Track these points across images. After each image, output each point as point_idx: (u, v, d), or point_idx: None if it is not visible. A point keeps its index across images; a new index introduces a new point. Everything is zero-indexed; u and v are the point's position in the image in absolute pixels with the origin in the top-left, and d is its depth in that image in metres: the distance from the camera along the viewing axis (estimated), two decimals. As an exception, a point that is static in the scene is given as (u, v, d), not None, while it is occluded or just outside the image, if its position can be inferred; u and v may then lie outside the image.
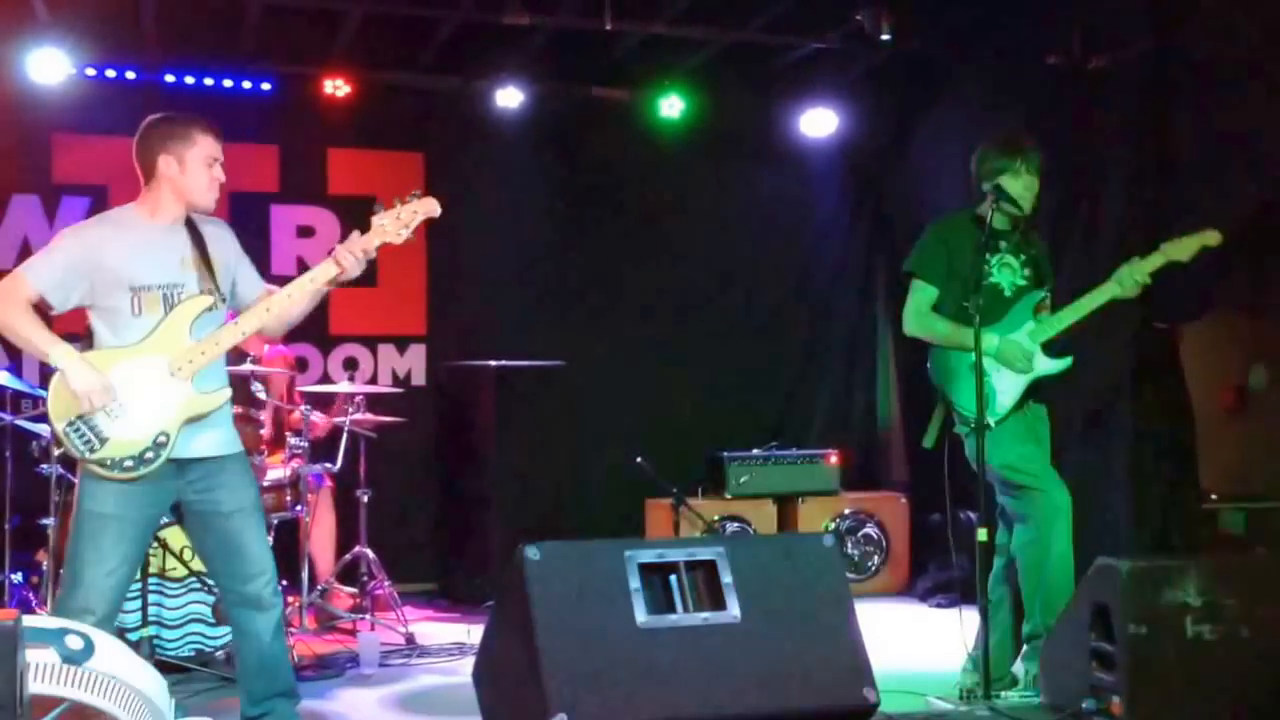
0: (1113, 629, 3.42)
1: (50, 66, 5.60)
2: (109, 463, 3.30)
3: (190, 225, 3.48)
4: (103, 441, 3.30)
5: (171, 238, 3.44)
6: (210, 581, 4.52)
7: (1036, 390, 4.08)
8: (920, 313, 4.09)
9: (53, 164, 5.83)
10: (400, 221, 3.52)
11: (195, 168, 3.42)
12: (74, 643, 2.53)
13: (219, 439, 3.47)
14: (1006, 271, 4.10)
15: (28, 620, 2.45)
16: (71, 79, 5.69)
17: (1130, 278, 3.96)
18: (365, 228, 6.55)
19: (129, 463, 3.30)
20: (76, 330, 3.46)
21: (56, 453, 3.32)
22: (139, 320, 3.36)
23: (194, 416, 3.38)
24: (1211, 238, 3.99)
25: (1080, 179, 5.33)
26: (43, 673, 2.44)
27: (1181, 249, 3.98)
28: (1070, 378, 4.09)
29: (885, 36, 5.38)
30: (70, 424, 3.30)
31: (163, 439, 3.33)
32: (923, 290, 4.10)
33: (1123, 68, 5.27)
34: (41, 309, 3.37)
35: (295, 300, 3.49)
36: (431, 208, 3.55)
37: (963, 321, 3.96)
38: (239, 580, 3.46)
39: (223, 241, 3.55)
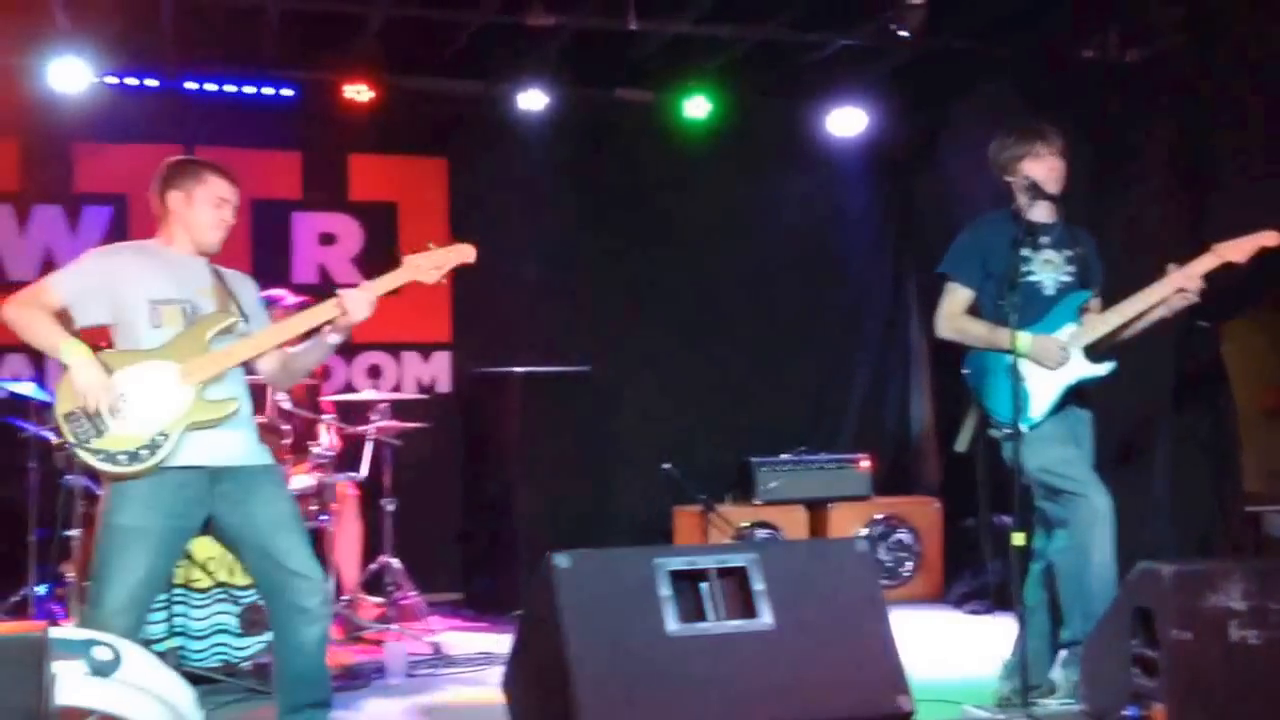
0: (1155, 634, 3.35)
1: (71, 75, 5.61)
2: (103, 455, 3.32)
3: (213, 266, 3.58)
4: (100, 433, 3.32)
5: (193, 265, 3.54)
6: (235, 592, 4.50)
7: (1080, 396, 3.95)
8: (952, 314, 4.01)
9: (74, 173, 5.84)
10: (433, 262, 3.60)
11: (202, 205, 3.50)
12: (102, 654, 2.52)
13: (247, 448, 3.47)
14: (1049, 269, 3.96)
15: (55, 632, 2.43)
16: (93, 87, 5.70)
17: (1182, 279, 3.80)
18: (387, 235, 6.55)
19: (123, 457, 3.31)
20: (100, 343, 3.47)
21: (55, 440, 3.35)
22: (158, 332, 3.41)
23: (197, 423, 3.38)
24: (1270, 238, 3.82)
25: (1117, 176, 5.23)
26: (71, 684, 2.43)
27: (1237, 250, 3.82)
28: (1110, 378, 3.98)
29: (905, 34, 5.28)
30: (70, 413, 3.33)
31: (161, 439, 3.33)
32: (956, 292, 4.00)
33: (1160, 61, 5.18)
34: (64, 321, 3.40)
35: (302, 352, 3.57)
36: (467, 254, 3.67)
37: (1000, 322, 3.83)
38: (286, 592, 3.43)
39: (245, 285, 3.66)
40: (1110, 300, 3.98)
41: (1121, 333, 3.92)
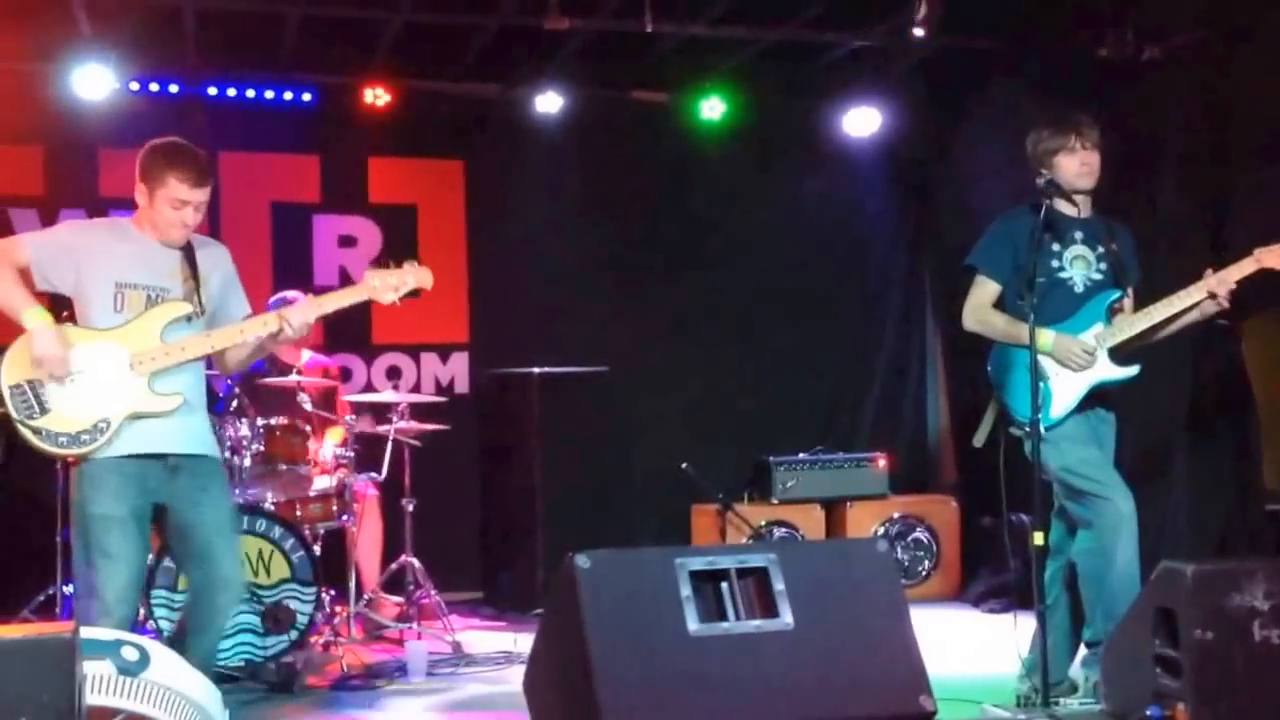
0: (1178, 634, 3.32)
1: (95, 81, 5.68)
2: (43, 433, 3.36)
3: (185, 244, 3.59)
4: (44, 411, 3.37)
5: (164, 249, 3.56)
6: (259, 593, 4.54)
7: (1104, 397, 3.90)
8: (979, 307, 3.95)
9: (99, 178, 5.88)
10: (391, 284, 3.61)
11: (160, 205, 3.53)
12: (130, 654, 2.55)
13: (197, 437, 3.55)
14: (1079, 266, 3.88)
15: (84, 632, 2.46)
16: (116, 93, 5.76)
17: (1217, 284, 3.70)
18: (406, 237, 6.58)
19: (63, 439, 3.37)
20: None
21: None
22: (119, 316, 3.46)
23: (141, 413, 3.43)
24: None
25: (1134, 174, 5.22)
26: (100, 684, 2.46)
27: (1277, 257, 3.70)
28: (1137, 387, 3.90)
29: (920, 33, 5.27)
30: (17, 385, 3.37)
31: (103, 425, 3.39)
32: (984, 285, 3.94)
33: (1177, 58, 5.16)
34: (25, 281, 3.45)
35: (242, 344, 3.59)
36: (425, 279, 3.68)
37: (1024, 318, 3.74)
38: (210, 593, 3.55)
39: (214, 260, 3.67)
40: (1138, 301, 3.92)
41: (1150, 336, 3.86)
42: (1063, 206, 3.87)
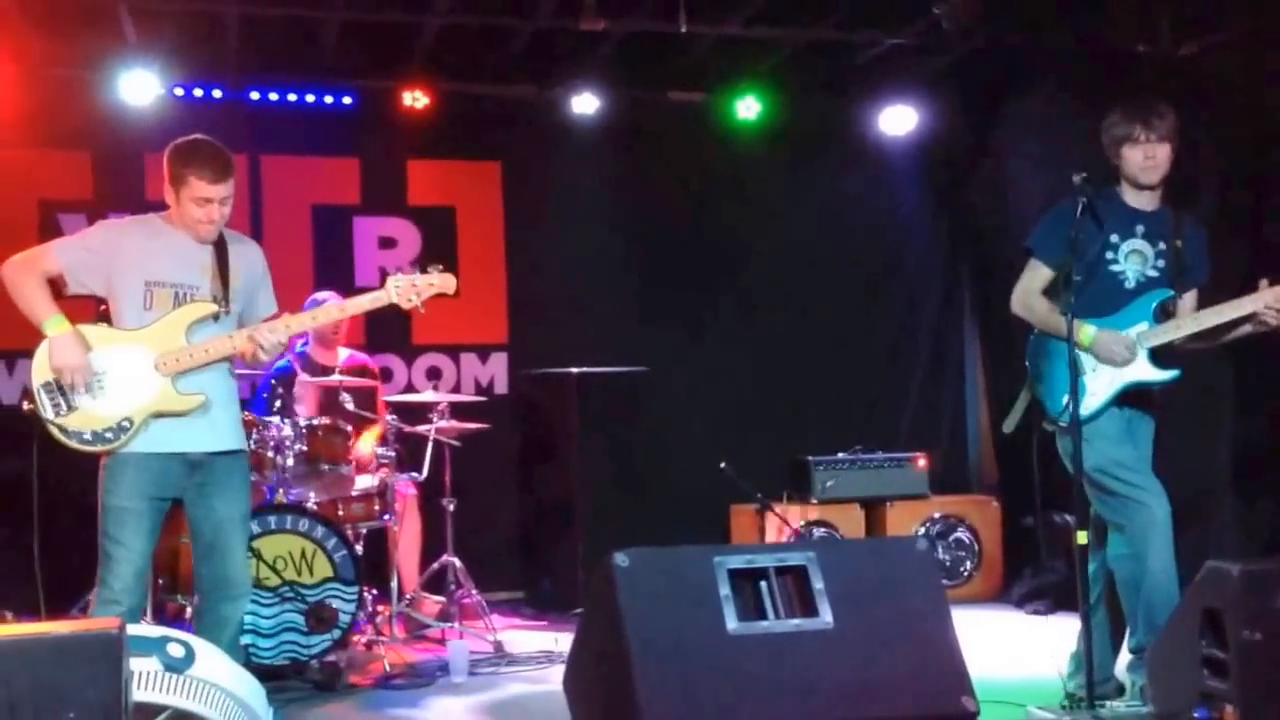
0: (1225, 635, 3.28)
1: (141, 88, 5.78)
2: (69, 431, 3.46)
3: (218, 239, 3.63)
4: (70, 409, 3.46)
5: (196, 245, 3.60)
6: (303, 591, 4.59)
7: (1145, 398, 3.81)
8: (1028, 291, 3.86)
9: (146, 182, 5.97)
10: (415, 289, 3.65)
11: (186, 204, 3.57)
12: (175, 650, 2.58)
13: (220, 435, 3.59)
14: (1134, 260, 3.78)
15: (130, 629, 2.49)
16: (161, 99, 5.85)
17: (1272, 297, 3.56)
18: (445, 239, 6.61)
19: (88, 436, 3.45)
20: (85, 318, 3.61)
21: (26, 406, 3.52)
22: (148, 314, 3.53)
23: (163, 412, 3.49)
24: None
25: (1171, 173, 5.15)
26: (146, 680, 2.49)
27: None
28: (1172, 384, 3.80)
29: (953, 30, 5.22)
30: (46, 384, 3.46)
31: (126, 424, 3.46)
32: (1038, 269, 3.84)
33: (1216, 54, 5.08)
34: (56, 286, 3.54)
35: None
36: (448, 284, 3.70)
37: (1076, 309, 3.62)
38: (220, 589, 3.60)
39: (246, 258, 3.70)
40: (1203, 301, 3.82)
41: (1197, 341, 3.76)
42: (1129, 197, 3.77)
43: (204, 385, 3.55)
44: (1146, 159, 3.73)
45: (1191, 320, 3.73)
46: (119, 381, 3.48)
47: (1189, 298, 3.85)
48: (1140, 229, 3.79)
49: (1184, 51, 5.20)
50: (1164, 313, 3.80)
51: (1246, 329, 3.70)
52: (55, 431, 3.46)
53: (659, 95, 6.60)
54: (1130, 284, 3.79)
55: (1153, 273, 3.80)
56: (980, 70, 6.31)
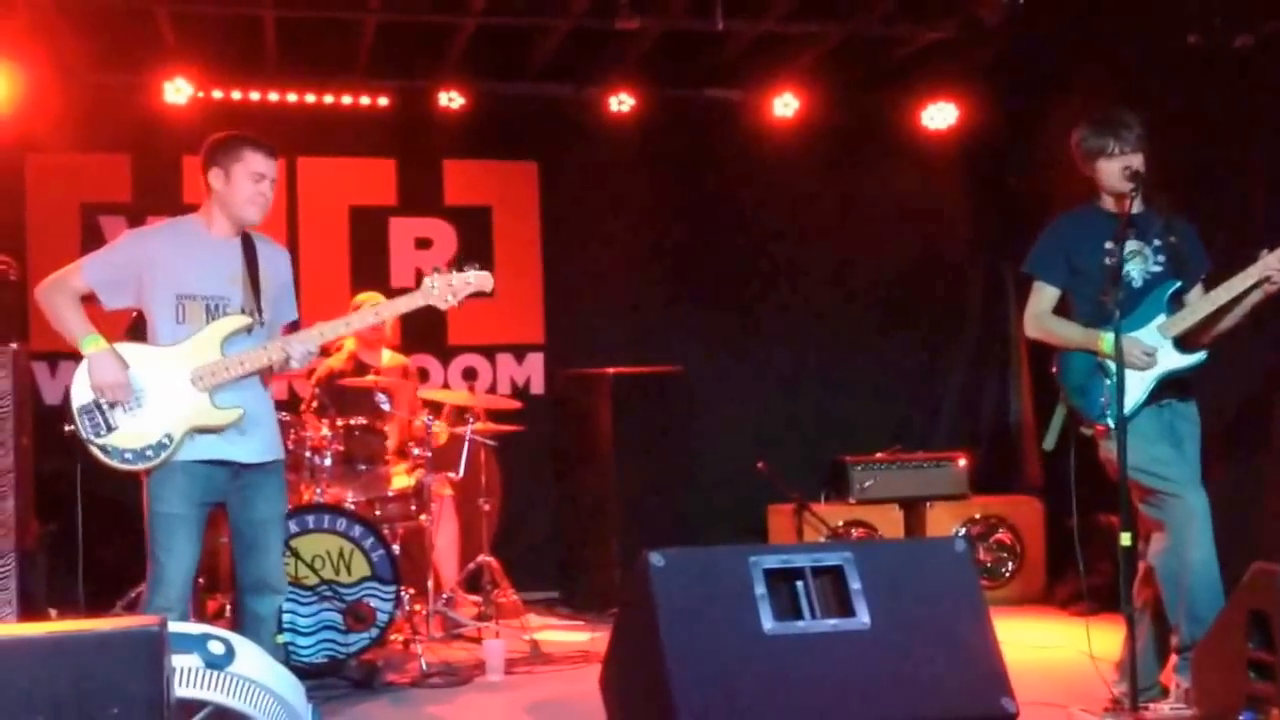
0: (1271, 637, 3.23)
1: (179, 90, 5.86)
2: (110, 450, 3.47)
3: (247, 243, 3.63)
4: (110, 430, 3.47)
5: (225, 252, 3.61)
6: (341, 590, 4.61)
7: (1181, 387, 3.83)
8: (1039, 314, 3.95)
9: (183, 185, 6.03)
10: (451, 288, 3.63)
11: (239, 181, 3.56)
12: (216, 648, 2.59)
13: (260, 447, 3.61)
14: (1137, 260, 3.85)
15: (172, 626, 2.51)
16: (198, 101, 5.91)
17: (1276, 262, 3.62)
18: (482, 239, 6.62)
19: (129, 455, 3.46)
20: (115, 334, 3.63)
21: (67, 429, 3.55)
22: (181, 328, 3.53)
23: (202, 427, 3.51)
24: None
25: (1225, 166, 5.05)
26: (187, 677, 2.50)
27: None
28: (1214, 373, 3.82)
29: (990, 19, 5.13)
30: (85, 406, 3.47)
31: (166, 441, 3.47)
32: (1043, 291, 3.95)
33: (1270, 46, 4.97)
34: (91, 302, 3.56)
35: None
36: (485, 283, 3.66)
37: (1093, 318, 3.76)
38: (257, 590, 3.64)
39: (275, 265, 3.71)
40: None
41: (1217, 322, 3.78)
42: (1111, 206, 3.85)
43: (241, 399, 3.56)
44: (1124, 169, 3.79)
45: (1206, 301, 3.77)
46: (157, 398, 3.48)
47: (1196, 292, 3.89)
48: (1132, 231, 3.83)
49: (1238, 43, 5.10)
50: (1178, 303, 3.85)
51: (1257, 295, 3.72)
52: (96, 452, 3.47)
53: (695, 93, 6.58)
54: (1138, 283, 3.85)
55: (1156, 268, 3.87)
56: (1024, 63, 6.22)
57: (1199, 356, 3.79)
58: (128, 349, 3.53)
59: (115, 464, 3.47)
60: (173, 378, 3.50)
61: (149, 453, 3.46)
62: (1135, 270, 3.85)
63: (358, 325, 3.75)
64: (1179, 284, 3.85)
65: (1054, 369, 3.94)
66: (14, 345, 4.59)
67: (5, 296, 4.68)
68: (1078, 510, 3.96)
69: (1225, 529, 3.75)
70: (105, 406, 3.47)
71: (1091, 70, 5.90)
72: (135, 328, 3.68)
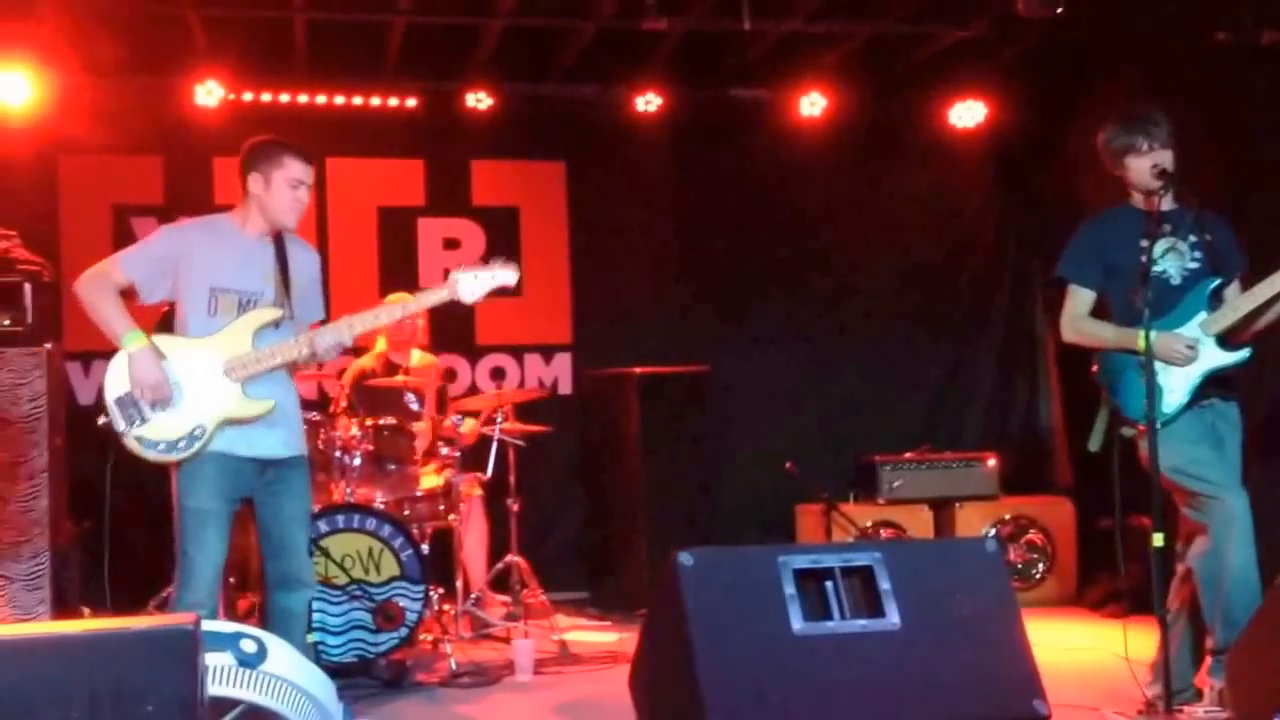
0: (1309, 640, 3.18)
1: (210, 92, 5.91)
2: (144, 441, 3.50)
3: (279, 243, 3.68)
4: (144, 421, 3.50)
5: (259, 250, 3.65)
6: (370, 589, 4.63)
7: (1224, 384, 3.79)
8: (1075, 317, 3.91)
9: (214, 187, 6.08)
10: (477, 282, 3.64)
11: (279, 187, 3.61)
12: (248, 646, 2.60)
13: (287, 441, 3.66)
14: (1173, 257, 3.80)
15: (205, 625, 2.52)
16: (229, 103, 5.96)
17: None
18: (509, 239, 6.63)
19: (162, 446, 3.49)
20: (146, 327, 3.64)
21: (101, 421, 3.58)
22: (213, 320, 3.57)
23: (234, 419, 3.54)
24: None
25: (1253, 163, 4.99)
26: (220, 675, 2.52)
27: None
28: (1250, 373, 3.79)
29: (1041, 15, 5.08)
30: (119, 398, 3.50)
31: (199, 432, 3.51)
32: (1078, 294, 3.91)
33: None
34: (128, 296, 3.59)
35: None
36: (509, 277, 3.68)
37: (1130, 318, 3.71)
38: (286, 584, 3.67)
39: (304, 264, 3.75)
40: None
41: (1259, 318, 3.74)
42: (1143, 205, 3.80)
43: (271, 391, 3.60)
44: (1154, 167, 3.75)
45: (1247, 297, 3.72)
46: (191, 390, 3.52)
47: (1234, 289, 3.84)
48: (1166, 228, 3.79)
49: (1268, 39, 5.04)
50: (1218, 300, 3.80)
51: None
52: (130, 443, 3.51)
53: (722, 93, 6.57)
54: (1176, 280, 3.81)
55: (1193, 264, 3.82)
56: (1053, 61, 6.18)
57: (1243, 354, 3.75)
58: (162, 340, 3.56)
59: (149, 455, 3.51)
60: (206, 369, 3.53)
61: (181, 444, 3.50)
62: (1172, 267, 3.81)
63: (386, 319, 3.77)
64: (1218, 280, 3.81)
65: (1094, 369, 3.92)
66: (48, 345, 4.65)
67: (39, 298, 4.72)
68: (1110, 512, 3.94)
69: (1260, 530, 3.69)
70: (139, 398, 3.50)
71: (1120, 68, 5.85)
72: (165, 320, 3.71)
